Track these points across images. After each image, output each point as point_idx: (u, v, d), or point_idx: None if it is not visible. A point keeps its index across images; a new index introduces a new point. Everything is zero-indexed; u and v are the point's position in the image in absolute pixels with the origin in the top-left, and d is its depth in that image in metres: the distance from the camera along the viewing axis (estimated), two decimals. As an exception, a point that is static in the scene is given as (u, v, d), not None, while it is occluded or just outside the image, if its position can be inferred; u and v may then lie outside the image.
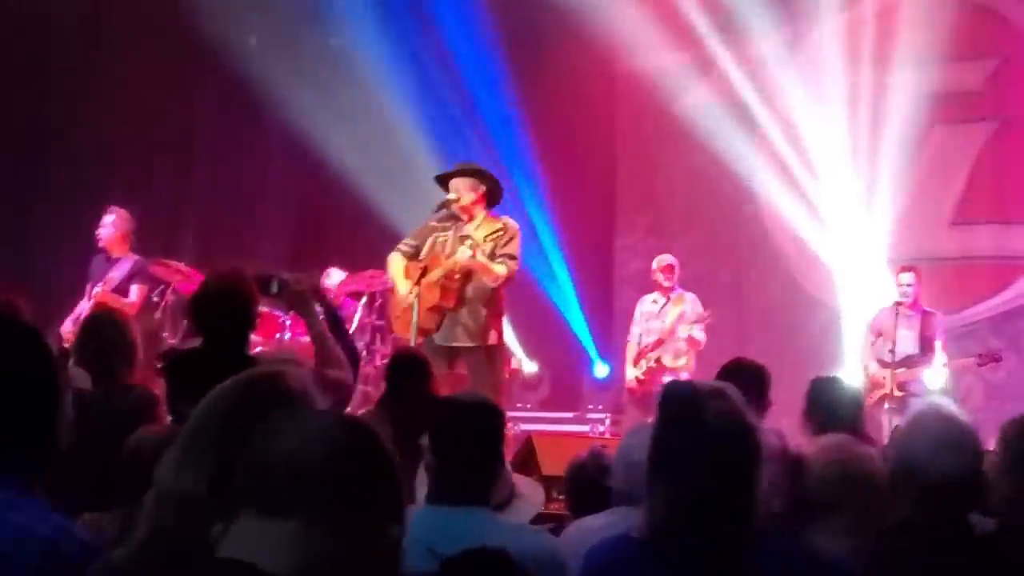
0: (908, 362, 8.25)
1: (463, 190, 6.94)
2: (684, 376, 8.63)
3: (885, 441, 5.38)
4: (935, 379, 8.22)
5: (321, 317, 4.14)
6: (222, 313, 3.89)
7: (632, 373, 9.00)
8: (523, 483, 3.35)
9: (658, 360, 8.86)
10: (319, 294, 4.35)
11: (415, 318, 6.71)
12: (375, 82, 10.49)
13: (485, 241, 6.78)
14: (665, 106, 11.07)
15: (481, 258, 6.71)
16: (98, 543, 2.05)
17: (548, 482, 5.24)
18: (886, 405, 8.12)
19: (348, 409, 4.52)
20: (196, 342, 4.09)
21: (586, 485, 3.80)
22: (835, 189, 10.35)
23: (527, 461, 6.20)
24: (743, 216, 11.03)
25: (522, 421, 9.47)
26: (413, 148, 10.42)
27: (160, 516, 1.93)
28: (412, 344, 6.64)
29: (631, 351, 9.09)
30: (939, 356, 8.33)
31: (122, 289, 7.98)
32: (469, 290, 6.84)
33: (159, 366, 4.15)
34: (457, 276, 6.81)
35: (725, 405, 2.21)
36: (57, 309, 8.27)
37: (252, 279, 3.97)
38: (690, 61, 10.81)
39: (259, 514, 1.51)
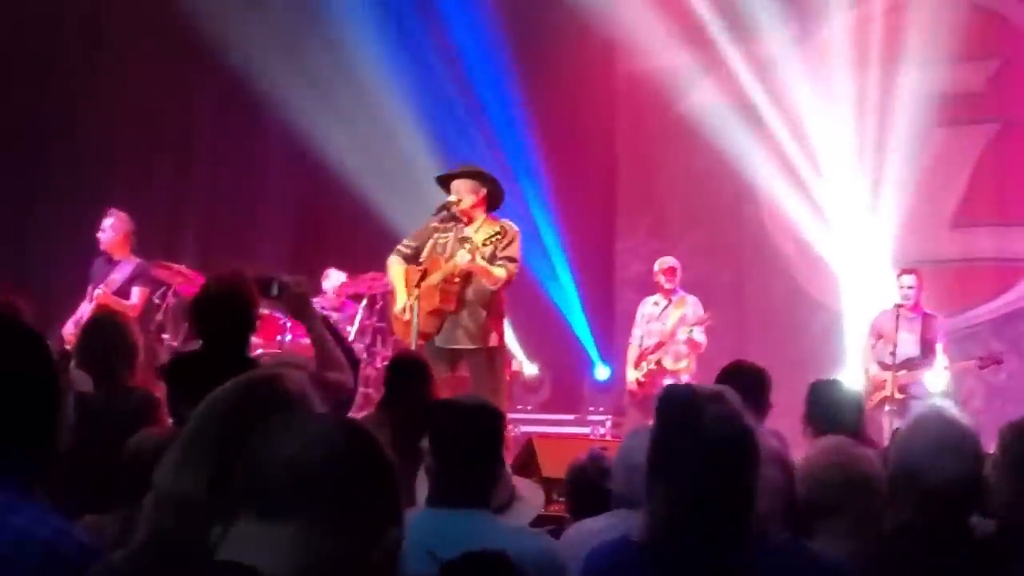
0: (909, 365, 8.25)
1: (464, 192, 6.95)
2: (685, 378, 8.64)
3: (886, 443, 5.37)
4: (936, 382, 8.22)
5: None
6: (222, 315, 3.89)
7: (633, 375, 9.00)
8: (523, 485, 3.35)
9: (659, 362, 8.86)
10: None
11: (415, 321, 6.73)
12: (375, 83, 10.49)
13: (484, 244, 6.78)
14: (666, 107, 11.08)
15: (480, 261, 6.72)
16: (98, 545, 2.06)
17: (549, 484, 5.24)
18: (887, 407, 8.12)
19: (349, 411, 4.52)
20: (197, 344, 4.10)
21: (586, 487, 3.80)
22: (838, 190, 10.35)
23: (528, 463, 6.20)
24: (744, 218, 11.03)
25: (523, 423, 9.47)
26: (413, 149, 10.42)
27: (159, 518, 1.93)
28: (413, 347, 6.65)
29: (632, 353, 9.09)
30: (940, 359, 8.33)
31: (123, 291, 7.99)
32: (469, 293, 6.85)
33: (159, 369, 4.16)
34: (457, 279, 6.82)
35: (723, 409, 2.21)
36: (57, 310, 8.28)
37: (252, 281, 3.98)
38: (690, 62, 10.81)
39: (258, 517, 1.52)
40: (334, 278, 9.46)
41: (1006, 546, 2.78)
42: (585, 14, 10.72)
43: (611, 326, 11.04)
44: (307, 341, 4.20)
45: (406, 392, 5.13)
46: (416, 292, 6.79)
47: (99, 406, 4.18)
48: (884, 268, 9.68)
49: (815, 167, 10.40)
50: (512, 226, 6.99)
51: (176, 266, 8.68)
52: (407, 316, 6.83)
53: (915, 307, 8.44)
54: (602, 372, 11.06)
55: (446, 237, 6.96)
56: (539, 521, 3.52)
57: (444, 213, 6.98)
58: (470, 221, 6.96)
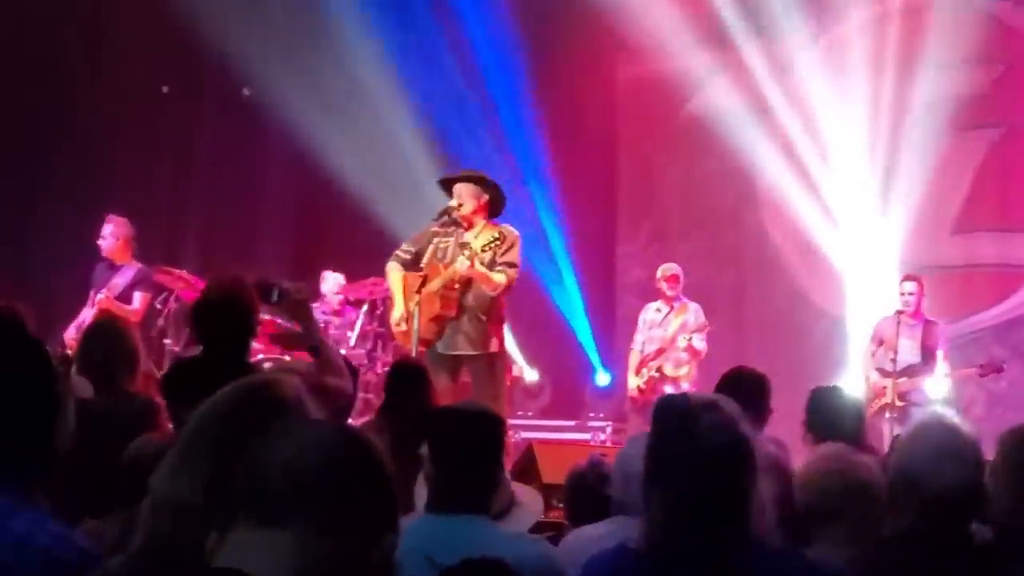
0: (909, 371, 8.25)
1: (466, 196, 6.95)
2: (685, 385, 8.66)
3: (886, 451, 5.37)
4: (936, 389, 8.22)
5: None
6: (223, 321, 3.91)
7: (634, 382, 9.00)
8: (522, 491, 3.35)
9: (659, 369, 8.86)
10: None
11: (416, 328, 6.73)
12: (375, 86, 10.50)
13: (483, 250, 6.79)
14: (668, 111, 11.08)
15: (480, 267, 6.73)
16: (98, 551, 2.06)
17: (549, 490, 5.24)
18: (887, 414, 8.11)
19: (348, 418, 4.52)
20: (198, 349, 4.11)
21: (585, 494, 3.80)
22: (846, 194, 10.33)
23: (528, 469, 6.21)
24: (745, 223, 11.02)
25: (523, 429, 9.46)
26: (413, 152, 10.44)
27: (155, 523, 1.94)
28: (413, 353, 6.66)
29: (634, 359, 9.09)
30: (941, 366, 8.32)
31: (125, 296, 8.00)
32: (469, 298, 6.86)
33: (159, 377, 4.17)
34: (457, 285, 6.83)
35: (719, 417, 2.21)
36: (58, 311, 8.30)
37: (253, 287, 3.99)
38: (692, 66, 10.81)
39: (256, 523, 1.52)
40: (331, 281, 9.45)
41: (1005, 552, 2.78)
42: (586, 19, 10.73)
43: (612, 332, 11.04)
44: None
45: (406, 398, 5.14)
46: (417, 298, 6.80)
47: (100, 411, 4.18)
48: (888, 273, 9.66)
49: (824, 170, 10.38)
50: (512, 231, 7.00)
51: (177, 271, 8.70)
52: (403, 327, 6.85)
53: (916, 313, 8.43)
54: (603, 378, 11.05)
55: (446, 242, 6.96)
56: (538, 527, 3.52)
57: (445, 218, 6.99)
58: (470, 226, 6.97)
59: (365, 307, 9.31)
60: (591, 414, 10.36)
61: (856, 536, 2.87)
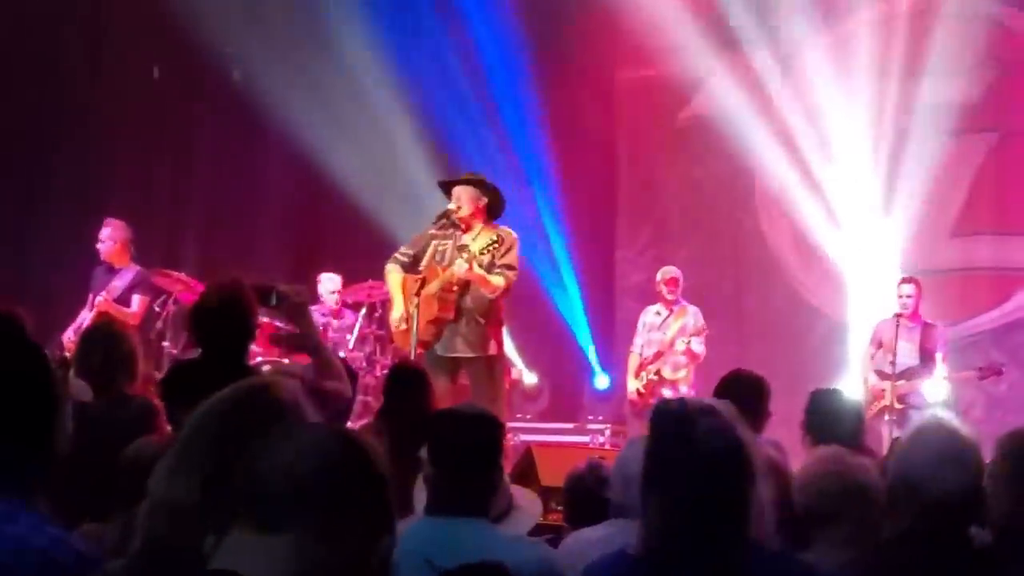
0: (908, 374, 8.25)
1: (465, 199, 6.96)
2: (683, 388, 8.66)
3: (885, 453, 5.38)
4: (935, 391, 8.22)
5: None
6: (221, 324, 3.91)
7: (633, 385, 9.01)
8: (521, 494, 3.35)
9: (658, 372, 8.87)
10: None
11: (414, 330, 6.74)
12: (374, 89, 10.50)
13: (482, 253, 6.79)
14: (668, 114, 11.08)
15: (478, 270, 6.74)
16: (96, 554, 2.06)
17: (548, 493, 5.24)
18: (886, 417, 8.12)
19: (347, 421, 4.52)
20: (196, 352, 4.11)
21: (584, 497, 3.80)
22: (848, 197, 10.33)
23: (527, 472, 6.20)
24: (745, 226, 11.02)
25: (522, 432, 9.46)
26: (413, 157, 10.43)
27: (152, 526, 1.93)
28: (412, 356, 6.66)
29: (633, 362, 9.10)
30: (940, 368, 8.33)
31: (124, 299, 8.00)
32: (468, 301, 6.87)
33: (157, 380, 4.17)
34: (455, 288, 6.83)
35: (716, 422, 2.21)
36: (58, 311, 8.30)
37: (251, 290, 3.99)
38: (693, 69, 10.81)
39: (252, 526, 1.52)
40: (327, 281, 9.44)
41: (1004, 555, 2.78)
42: (586, 20, 10.73)
43: (611, 334, 11.03)
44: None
45: (405, 401, 5.14)
46: (416, 301, 6.80)
47: (98, 414, 4.18)
48: (889, 276, 9.65)
49: (824, 173, 10.38)
50: (510, 233, 7.01)
51: (176, 274, 8.70)
52: (403, 327, 6.85)
53: (914, 316, 8.44)
54: (602, 381, 11.05)
55: (445, 245, 6.97)
56: (537, 530, 3.52)
57: (443, 220, 7.00)
58: (468, 229, 6.97)
59: (364, 310, 9.30)
60: (590, 417, 10.35)
61: (855, 538, 2.87)
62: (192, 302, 4.79)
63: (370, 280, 9.02)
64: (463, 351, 6.88)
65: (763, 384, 5.01)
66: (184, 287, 8.47)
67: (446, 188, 7.14)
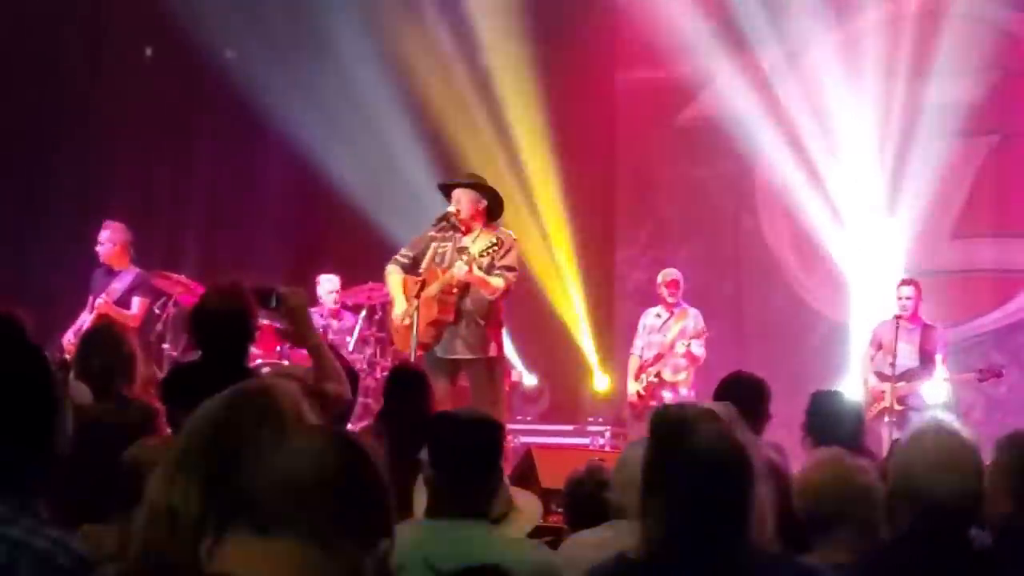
0: (908, 376, 8.25)
1: (464, 202, 6.97)
2: (683, 391, 8.66)
3: (885, 455, 5.38)
4: (935, 393, 8.22)
5: None
6: (221, 326, 3.91)
7: (633, 387, 9.01)
8: (520, 496, 3.35)
9: (658, 375, 8.87)
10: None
11: (414, 332, 6.74)
12: (374, 92, 10.50)
13: (481, 255, 6.80)
14: (667, 115, 11.08)
15: (478, 272, 6.74)
16: (96, 557, 2.06)
17: (548, 495, 5.24)
18: (886, 418, 8.12)
19: (348, 423, 4.52)
20: (196, 354, 4.11)
21: (584, 499, 3.80)
22: (842, 199, 10.32)
23: (527, 474, 6.20)
24: (745, 228, 11.02)
25: (522, 434, 9.45)
26: (412, 158, 10.43)
27: (150, 530, 1.93)
28: (412, 358, 6.66)
29: (633, 364, 9.10)
30: (939, 370, 8.33)
31: (124, 301, 8.00)
32: (467, 303, 6.87)
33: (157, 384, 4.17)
34: (454, 290, 6.83)
35: (715, 427, 2.21)
36: (58, 312, 8.29)
37: (251, 293, 3.99)
38: (692, 70, 10.81)
39: (251, 531, 1.52)
40: (326, 283, 9.43)
41: (1004, 556, 2.78)
42: (586, 21, 10.73)
43: (611, 337, 11.02)
44: (305, 352, 4.20)
45: (405, 403, 5.14)
46: (415, 302, 6.80)
47: (98, 417, 4.17)
48: (890, 278, 9.65)
49: (824, 174, 10.37)
50: (510, 235, 7.01)
51: (176, 276, 8.69)
52: (407, 322, 6.83)
53: (913, 318, 8.44)
54: (602, 383, 11.04)
55: (444, 247, 6.97)
56: (537, 532, 3.52)
57: (443, 223, 7.00)
58: (468, 231, 6.98)
59: (364, 312, 9.29)
60: (590, 419, 10.34)
61: (855, 540, 2.87)
62: (192, 304, 4.80)
63: (370, 282, 9.02)
64: (463, 353, 6.88)
65: (763, 386, 5.01)
66: (184, 289, 8.46)
67: (446, 190, 7.15)
